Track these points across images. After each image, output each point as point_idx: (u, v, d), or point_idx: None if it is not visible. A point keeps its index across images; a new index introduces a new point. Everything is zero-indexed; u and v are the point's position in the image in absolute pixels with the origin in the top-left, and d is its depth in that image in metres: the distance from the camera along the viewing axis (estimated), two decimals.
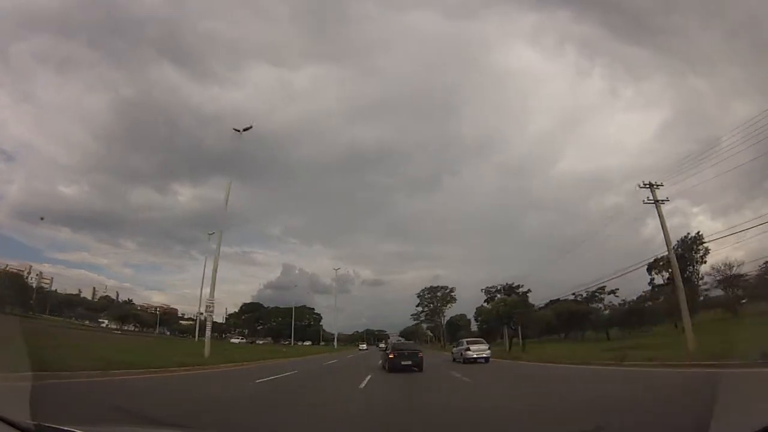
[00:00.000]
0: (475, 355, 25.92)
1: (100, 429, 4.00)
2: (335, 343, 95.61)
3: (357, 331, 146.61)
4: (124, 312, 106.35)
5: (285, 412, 8.14)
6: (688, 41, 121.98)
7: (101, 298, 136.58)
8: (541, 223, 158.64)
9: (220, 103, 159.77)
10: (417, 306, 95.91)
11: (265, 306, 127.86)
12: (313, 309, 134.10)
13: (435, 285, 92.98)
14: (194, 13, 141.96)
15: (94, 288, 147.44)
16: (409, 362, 19.01)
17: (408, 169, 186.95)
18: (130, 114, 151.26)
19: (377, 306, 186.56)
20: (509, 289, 68.18)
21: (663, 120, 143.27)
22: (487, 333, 79.18)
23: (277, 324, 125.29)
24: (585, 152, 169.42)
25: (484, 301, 74.91)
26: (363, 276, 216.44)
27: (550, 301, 70.59)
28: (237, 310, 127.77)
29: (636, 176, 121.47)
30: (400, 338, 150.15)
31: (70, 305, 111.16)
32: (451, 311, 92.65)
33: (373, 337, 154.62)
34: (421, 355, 19.90)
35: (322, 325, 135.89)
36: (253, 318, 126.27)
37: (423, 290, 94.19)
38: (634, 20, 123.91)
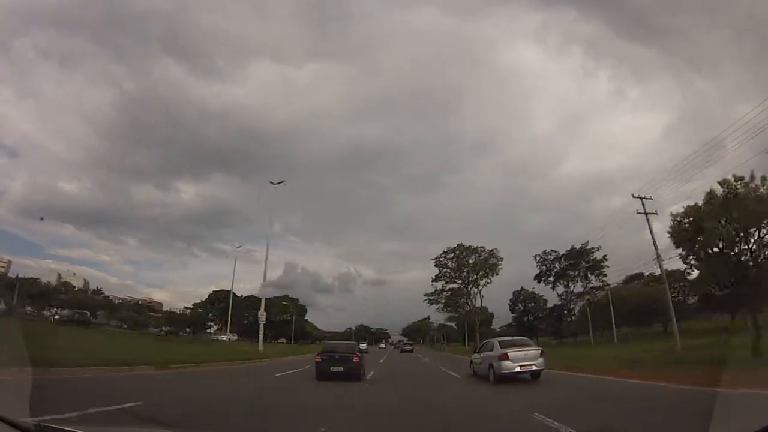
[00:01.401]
0: (517, 368, 13.83)
1: (100, 429, 4.37)
2: (260, 339, 40.11)
3: (350, 329, 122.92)
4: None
5: None
6: (694, 42, 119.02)
7: (60, 284, 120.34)
8: (543, 223, 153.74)
9: (222, 100, 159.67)
10: (434, 280, 60.59)
11: (238, 295, 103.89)
12: (297, 300, 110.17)
13: (466, 245, 58.11)
14: (197, 8, 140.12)
15: (59, 274, 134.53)
16: (340, 368, 14.88)
17: (409, 167, 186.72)
18: (133, 110, 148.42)
19: (379, 305, 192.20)
20: (578, 254, 44.89)
21: (668, 121, 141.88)
22: (528, 330, 54.77)
23: (252, 316, 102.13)
24: (589, 153, 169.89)
25: (535, 277, 51.71)
26: (365, 275, 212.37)
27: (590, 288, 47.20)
28: (204, 299, 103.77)
29: (640, 177, 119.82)
30: (402, 337, 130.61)
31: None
32: (489, 291, 59.26)
33: (370, 334, 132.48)
34: (356, 360, 15.39)
35: (307, 320, 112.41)
36: (222, 309, 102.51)
37: (445, 253, 58.99)
38: (640, 21, 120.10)
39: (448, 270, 57.60)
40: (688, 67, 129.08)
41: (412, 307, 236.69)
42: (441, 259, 58.34)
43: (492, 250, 55.91)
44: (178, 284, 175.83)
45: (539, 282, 51.50)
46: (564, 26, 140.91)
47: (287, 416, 8.23)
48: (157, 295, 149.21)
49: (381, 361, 27.19)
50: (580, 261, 45.68)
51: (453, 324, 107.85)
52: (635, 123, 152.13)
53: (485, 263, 55.26)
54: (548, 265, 49.69)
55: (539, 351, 14.82)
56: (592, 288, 46.49)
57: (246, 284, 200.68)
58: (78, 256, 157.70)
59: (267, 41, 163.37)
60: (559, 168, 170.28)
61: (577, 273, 46.85)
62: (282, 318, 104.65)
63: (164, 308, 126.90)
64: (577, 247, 45.43)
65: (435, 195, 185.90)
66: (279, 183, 34.75)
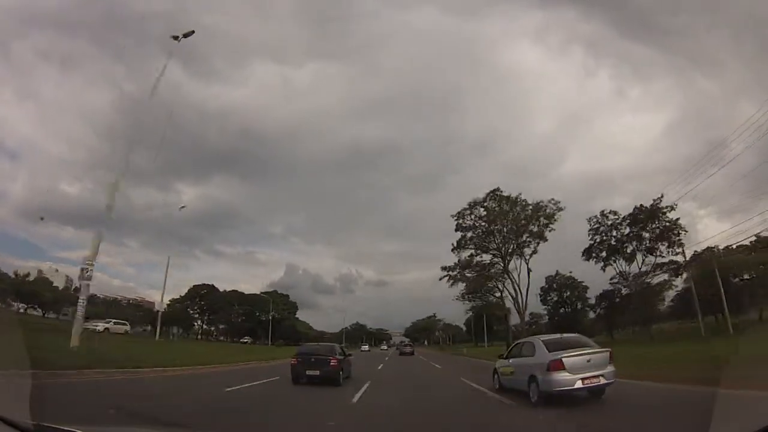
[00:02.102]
0: (578, 383, 9.24)
1: (100, 429, 4.24)
2: (75, 329, 17.65)
3: (347, 328, 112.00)
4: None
5: None
6: (695, 41, 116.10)
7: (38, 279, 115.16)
8: None
9: (222, 101, 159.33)
10: (455, 249, 43.77)
11: (220, 290, 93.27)
12: (287, 296, 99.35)
13: (505, 193, 42.06)
14: (197, 8, 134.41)
15: (39, 270, 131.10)
16: (316, 372, 13.94)
17: (410, 168, 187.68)
18: (133, 111, 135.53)
19: (381, 306, 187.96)
20: (649, 214, 33.74)
21: (669, 120, 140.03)
22: (567, 326, 41.25)
23: (237, 313, 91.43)
24: (589, 152, 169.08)
25: (584, 252, 39.80)
26: (366, 276, 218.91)
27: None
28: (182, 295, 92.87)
29: (641, 177, 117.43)
30: (404, 338, 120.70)
31: None
32: (542, 258, 42.72)
33: (368, 334, 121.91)
34: (334, 363, 14.19)
35: (298, 318, 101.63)
36: (202, 306, 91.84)
37: (472, 206, 42.64)
38: (641, 20, 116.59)
39: (475, 235, 40.98)
40: (690, 66, 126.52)
41: (413, 308, 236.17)
42: (466, 215, 41.28)
43: (539, 202, 39.66)
44: (181, 286, 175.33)
45: (588, 258, 38.96)
46: (564, 25, 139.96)
47: None
48: (157, 297, 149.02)
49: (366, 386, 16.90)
50: (647, 226, 34.14)
51: (463, 323, 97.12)
52: (636, 122, 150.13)
53: (535, 217, 39.08)
54: (604, 235, 37.41)
55: (607, 353, 9.95)
56: (656, 266, 34.77)
57: (246, 284, 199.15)
58: (79, 258, 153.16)
59: (267, 41, 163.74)
60: (559, 168, 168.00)
61: (640, 245, 35.17)
62: (272, 316, 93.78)
63: (155, 308, 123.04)
64: (647, 206, 33.74)
65: (436, 195, 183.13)
66: (186, 35, 22.61)
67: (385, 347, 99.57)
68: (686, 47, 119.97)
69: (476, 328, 72.08)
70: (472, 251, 43.06)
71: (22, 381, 9.97)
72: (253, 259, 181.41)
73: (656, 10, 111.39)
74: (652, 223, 33.73)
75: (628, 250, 36.01)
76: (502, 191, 42.04)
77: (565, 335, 12.00)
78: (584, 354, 9.65)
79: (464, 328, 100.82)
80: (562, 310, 49.30)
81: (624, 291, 39.15)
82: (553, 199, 40.46)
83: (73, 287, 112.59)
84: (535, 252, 40.74)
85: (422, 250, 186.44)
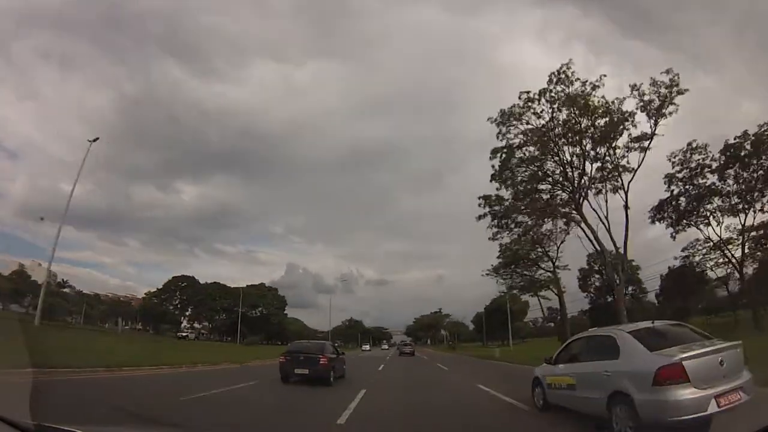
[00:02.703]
0: (712, 404, 4.90)
1: (100, 429, 4.13)
2: None
3: (344, 323, 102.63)
4: None
5: None
6: (696, 37, 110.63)
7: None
8: None
9: (222, 100, 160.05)
10: (495, 177, 29.53)
11: (201, 282, 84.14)
12: (276, 290, 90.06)
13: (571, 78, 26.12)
14: (196, 8, 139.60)
15: (21, 264, 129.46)
16: (305, 371, 13.55)
17: (411, 167, 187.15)
18: (133, 111, 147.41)
19: (382, 305, 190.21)
20: (757, 141, 22.93)
21: (670, 118, 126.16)
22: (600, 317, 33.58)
23: (223, 309, 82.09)
24: None
25: (653, 210, 28.53)
26: (366, 276, 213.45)
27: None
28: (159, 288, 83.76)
29: (642, 176, 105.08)
30: (406, 337, 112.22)
31: None
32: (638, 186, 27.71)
33: (363, 332, 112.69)
34: (324, 362, 13.58)
35: (287, 314, 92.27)
36: (183, 300, 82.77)
37: (527, 101, 27.44)
38: (642, 17, 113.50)
39: (530, 156, 26.68)
40: (691, 63, 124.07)
41: (414, 307, 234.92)
42: (512, 124, 26.60)
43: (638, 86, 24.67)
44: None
45: (660, 219, 27.84)
46: (565, 23, 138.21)
47: None
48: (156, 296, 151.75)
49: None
50: (751, 164, 23.49)
51: (471, 320, 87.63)
52: (638, 120, 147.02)
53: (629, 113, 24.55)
54: (687, 183, 26.07)
55: (740, 350, 5.80)
56: (744, 230, 24.68)
57: (246, 284, 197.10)
58: (80, 258, 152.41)
59: (267, 40, 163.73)
60: None
61: (729, 198, 24.74)
62: (258, 312, 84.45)
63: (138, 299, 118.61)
64: (751, 133, 23.03)
65: (437, 194, 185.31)
66: None
67: (386, 347, 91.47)
68: (687, 44, 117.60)
69: (489, 323, 62.42)
70: (520, 186, 28.46)
71: None
72: (253, 259, 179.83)
73: (657, 6, 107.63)
74: (758, 159, 23.48)
75: (711, 206, 25.80)
76: (572, 71, 26.26)
77: (658, 322, 6.82)
78: (713, 352, 5.40)
79: (472, 326, 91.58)
80: (609, 298, 38.83)
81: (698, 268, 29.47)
82: (671, 70, 24.75)
83: (56, 282, 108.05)
84: (620, 188, 25.39)
85: (423, 249, 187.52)
